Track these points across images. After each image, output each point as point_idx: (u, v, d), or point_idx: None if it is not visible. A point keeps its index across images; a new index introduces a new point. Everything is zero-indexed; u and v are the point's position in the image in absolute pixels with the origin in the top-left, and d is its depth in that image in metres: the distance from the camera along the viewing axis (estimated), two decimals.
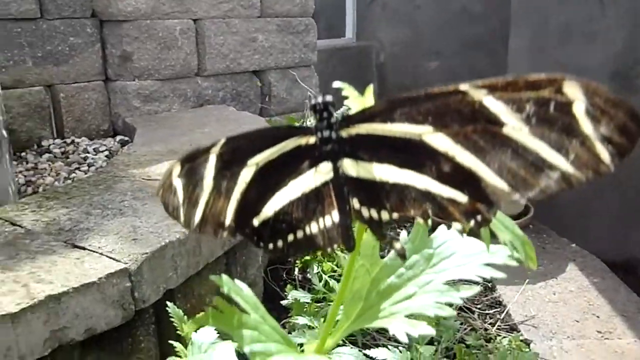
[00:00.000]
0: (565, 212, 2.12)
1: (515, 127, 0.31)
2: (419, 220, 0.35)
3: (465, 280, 0.39)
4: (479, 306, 1.64)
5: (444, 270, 0.38)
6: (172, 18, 2.11)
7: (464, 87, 0.32)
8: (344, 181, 0.37)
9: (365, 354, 0.97)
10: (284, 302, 1.30)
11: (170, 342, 0.72)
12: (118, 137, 2.03)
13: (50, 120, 1.94)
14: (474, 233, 0.36)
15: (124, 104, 2.07)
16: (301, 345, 0.41)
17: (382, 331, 1.39)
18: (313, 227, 0.39)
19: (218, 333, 0.69)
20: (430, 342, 1.29)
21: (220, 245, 1.14)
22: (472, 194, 0.33)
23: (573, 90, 0.29)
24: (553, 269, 1.92)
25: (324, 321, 1.17)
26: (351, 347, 1.04)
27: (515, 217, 2.04)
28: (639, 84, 1.88)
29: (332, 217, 0.38)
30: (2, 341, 0.70)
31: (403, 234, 0.40)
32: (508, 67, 2.60)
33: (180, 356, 0.69)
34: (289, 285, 1.40)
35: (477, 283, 0.38)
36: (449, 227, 0.35)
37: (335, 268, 1.52)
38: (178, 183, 0.38)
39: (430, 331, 0.34)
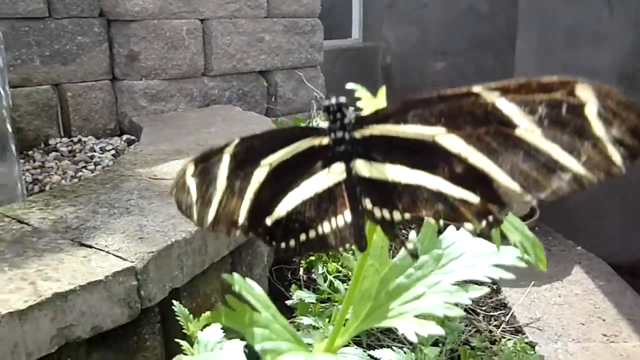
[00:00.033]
0: (571, 214, 2.12)
1: (527, 129, 0.31)
2: (431, 220, 0.35)
3: (474, 281, 0.39)
4: (483, 308, 1.64)
5: (452, 270, 0.38)
6: (179, 18, 2.12)
7: (476, 89, 0.32)
8: (356, 182, 0.38)
9: (369, 355, 0.97)
10: (288, 302, 1.30)
11: (177, 340, 0.73)
12: (125, 136, 2.04)
13: (57, 119, 1.95)
14: (483, 234, 0.36)
15: (131, 103, 2.08)
16: (309, 345, 0.41)
17: (387, 332, 1.39)
18: (325, 227, 0.39)
19: (224, 332, 0.69)
20: (435, 343, 1.29)
21: (226, 245, 1.14)
22: (484, 194, 0.33)
23: (585, 93, 0.29)
24: (559, 272, 1.92)
25: (329, 321, 1.18)
26: (356, 348, 1.04)
27: (521, 219, 2.03)
28: None
29: (345, 217, 0.38)
30: (10, 338, 0.71)
31: (412, 234, 0.41)
32: (515, 68, 2.59)
33: (187, 354, 0.69)
34: (293, 285, 1.40)
35: (485, 284, 0.38)
36: (458, 228, 0.35)
37: (340, 268, 1.52)
38: (191, 182, 0.38)
39: (439, 331, 0.34)
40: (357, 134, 0.37)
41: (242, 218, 0.39)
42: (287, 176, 0.39)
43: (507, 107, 0.31)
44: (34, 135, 1.88)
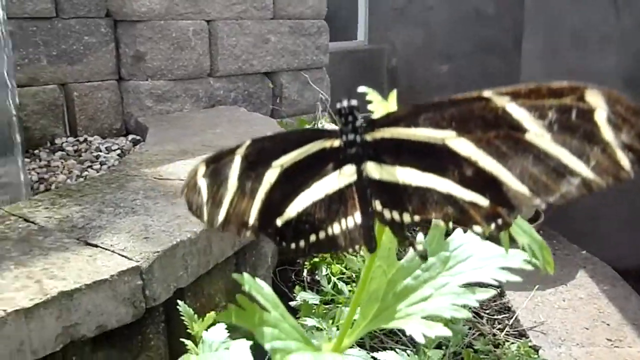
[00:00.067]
0: (576, 218, 2.11)
1: (537, 133, 0.31)
2: (440, 223, 0.36)
3: (480, 284, 0.39)
4: (487, 311, 1.64)
5: (460, 273, 0.38)
6: (185, 19, 2.12)
7: (487, 93, 0.32)
8: (367, 184, 0.38)
9: (373, 357, 0.97)
10: (292, 303, 1.30)
11: (182, 340, 0.73)
12: (130, 136, 2.05)
13: (63, 118, 1.96)
14: (492, 237, 0.37)
15: (137, 104, 2.08)
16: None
17: (390, 334, 1.39)
18: (335, 228, 0.39)
19: (228, 332, 0.70)
20: (439, 346, 1.29)
21: (231, 246, 1.15)
22: (493, 198, 0.34)
23: (595, 98, 0.30)
24: (563, 276, 1.91)
25: (333, 323, 1.18)
26: (359, 350, 1.04)
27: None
28: None
29: (355, 219, 0.39)
30: (16, 336, 0.71)
31: (420, 236, 0.41)
32: (521, 70, 2.59)
33: (192, 354, 0.69)
34: (297, 287, 1.40)
35: (492, 286, 0.38)
36: (465, 230, 0.36)
37: (344, 270, 1.52)
38: (202, 183, 0.38)
39: (447, 332, 0.34)
40: (369, 137, 0.37)
41: (252, 219, 0.39)
42: (298, 177, 0.39)
43: (517, 112, 0.32)
44: (40, 135, 1.89)
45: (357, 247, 0.39)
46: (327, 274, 1.48)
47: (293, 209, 0.39)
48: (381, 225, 0.39)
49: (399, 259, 0.42)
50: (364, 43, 3.62)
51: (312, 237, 0.40)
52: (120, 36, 2.04)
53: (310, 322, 1.18)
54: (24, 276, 0.80)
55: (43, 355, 0.75)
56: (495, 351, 1.41)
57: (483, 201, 0.34)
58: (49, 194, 1.22)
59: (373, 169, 0.38)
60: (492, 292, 0.37)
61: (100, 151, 1.86)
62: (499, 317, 1.63)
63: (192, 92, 2.21)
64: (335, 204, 0.39)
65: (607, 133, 0.30)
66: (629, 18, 1.95)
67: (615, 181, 0.30)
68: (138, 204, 1.13)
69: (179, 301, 0.83)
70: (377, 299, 0.39)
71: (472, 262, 0.39)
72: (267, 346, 0.35)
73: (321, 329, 1.18)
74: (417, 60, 3.40)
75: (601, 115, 0.29)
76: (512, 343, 1.46)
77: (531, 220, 2.04)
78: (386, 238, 0.40)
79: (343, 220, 0.39)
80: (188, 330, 0.78)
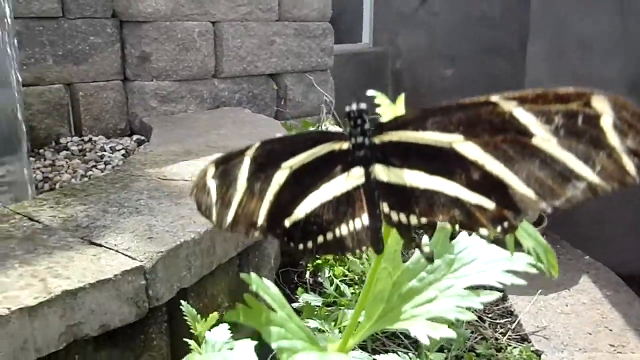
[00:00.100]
0: (580, 223, 2.11)
1: (544, 138, 0.32)
2: (447, 225, 0.36)
3: (485, 287, 0.39)
4: (490, 315, 1.64)
5: (464, 275, 0.39)
6: (191, 20, 2.13)
7: (494, 98, 0.33)
8: (375, 186, 0.39)
9: (375, 359, 0.97)
10: (294, 305, 1.31)
11: (184, 340, 0.73)
12: (135, 137, 2.05)
13: (68, 118, 1.96)
14: (497, 240, 0.37)
15: (142, 104, 2.09)
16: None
17: (392, 337, 1.39)
18: (343, 230, 0.40)
19: (231, 332, 0.70)
20: (441, 349, 1.29)
21: (234, 247, 1.15)
22: (499, 201, 0.34)
23: (601, 104, 0.30)
24: (566, 280, 1.91)
25: (335, 325, 1.18)
26: (361, 352, 1.04)
27: None
28: None
29: (362, 220, 0.39)
30: (20, 334, 0.71)
31: (425, 238, 0.41)
32: (526, 74, 2.59)
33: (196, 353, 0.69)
34: (300, 288, 1.41)
35: (498, 289, 0.38)
36: (470, 233, 0.36)
37: (347, 272, 1.52)
38: (212, 184, 0.39)
39: (451, 334, 0.35)
40: (377, 140, 0.38)
41: (261, 219, 0.40)
42: (307, 179, 0.39)
43: (524, 117, 0.32)
44: (45, 134, 1.90)
45: (364, 248, 0.39)
46: (330, 276, 1.48)
47: (301, 210, 0.40)
48: (387, 228, 0.39)
49: (404, 261, 0.42)
50: (369, 45, 3.62)
51: (320, 238, 0.40)
52: (126, 37, 2.05)
53: (312, 324, 1.18)
54: (29, 275, 0.81)
55: (46, 353, 0.75)
56: (497, 355, 1.41)
57: (489, 204, 0.34)
58: (54, 193, 1.22)
59: (381, 172, 0.38)
60: (496, 295, 0.38)
61: (105, 151, 1.86)
62: (502, 321, 1.63)
63: (197, 93, 2.22)
64: (343, 205, 0.40)
65: (612, 138, 0.30)
66: (635, 23, 1.95)
67: (621, 186, 0.31)
68: (142, 204, 1.13)
69: (182, 301, 0.83)
70: (382, 300, 0.39)
71: (477, 264, 0.39)
72: (274, 345, 0.35)
73: (323, 331, 1.18)
74: (422, 63, 3.40)
75: (607, 121, 0.30)
76: (514, 347, 1.46)
77: (535, 225, 2.04)
78: (392, 240, 0.41)
79: (351, 222, 0.40)
80: (190, 331, 0.78)
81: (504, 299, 1.73)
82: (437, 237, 0.41)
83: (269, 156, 0.39)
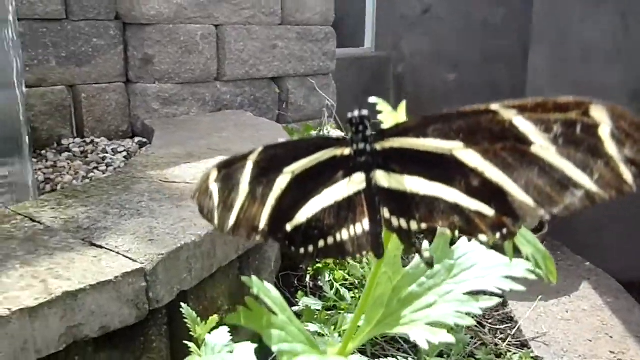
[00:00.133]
0: (580, 229, 2.11)
1: (543, 146, 0.32)
2: (447, 231, 0.36)
3: (485, 292, 0.39)
4: (490, 321, 1.64)
5: (464, 281, 0.39)
6: (194, 23, 2.14)
7: (494, 106, 0.33)
8: (376, 191, 0.39)
9: None
10: (294, 309, 1.31)
11: (185, 342, 0.73)
12: (136, 139, 2.06)
13: (70, 119, 1.97)
14: (496, 246, 0.37)
15: (144, 106, 2.09)
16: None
17: (392, 342, 1.39)
18: (344, 234, 0.40)
19: (231, 335, 0.70)
20: (440, 354, 1.29)
21: (235, 249, 1.15)
22: (499, 208, 0.34)
23: (599, 114, 0.30)
24: (566, 287, 1.91)
25: (335, 329, 1.18)
26: (360, 357, 1.05)
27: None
28: None
29: (363, 225, 0.40)
30: (20, 335, 0.71)
31: (425, 244, 0.41)
32: (527, 82, 2.59)
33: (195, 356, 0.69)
34: (300, 292, 1.41)
35: (497, 295, 0.39)
36: (470, 239, 0.36)
37: (347, 276, 1.52)
38: (214, 187, 0.39)
39: (450, 339, 0.35)
40: (378, 146, 0.38)
41: (262, 223, 0.40)
42: (308, 184, 0.40)
43: (524, 125, 0.32)
44: (47, 135, 1.90)
45: (364, 253, 0.40)
46: (330, 280, 1.48)
47: (303, 215, 0.40)
48: (388, 233, 0.40)
49: (404, 265, 0.42)
50: (371, 50, 3.63)
51: (321, 243, 0.40)
52: (129, 39, 2.06)
53: (312, 327, 1.18)
54: (29, 275, 0.81)
55: (46, 354, 0.75)
56: None
57: (489, 211, 0.35)
58: (55, 194, 1.22)
59: (382, 178, 0.39)
60: (495, 301, 0.38)
61: (107, 153, 1.87)
62: (501, 327, 1.63)
63: (199, 95, 2.22)
64: (344, 210, 0.40)
65: (610, 147, 0.30)
66: (638, 32, 1.96)
67: (618, 194, 0.31)
68: (143, 206, 1.13)
69: (182, 304, 0.83)
70: (382, 304, 0.40)
71: (477, 270, 0.39)
72: (275, 348, 0.35)
73: (323, 335, 1.18)
74: (424, 68, 3.41)
75: (605, 130, 0.30)
76: (514, 353, 1.46)
77: (535, 231, 2.04)
78: (392, 245, 0.41)
79: (352, 227, 0.40)
80: (190, 333, 0.79)
81: (504, 304, 1.73)
82: (437, 242, 0.41)
83: (271, 161, 0.39)
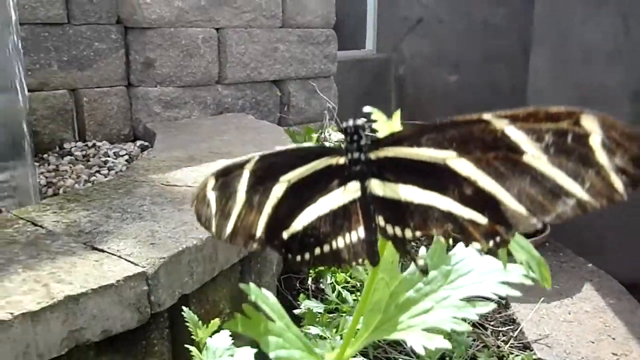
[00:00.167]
0: (582, 231, 2.10)
1: (534, 155, 0.32)
2: (441, 239, 0.37)
3: (482, 297, 0.40)
4: (492, 323, 1.63)
5: (461, 286, 0.39)
6: (195, 26, 2.14)
7: (487, 116, 0.34)
8: (370, 200, 0.40)
9: None
10: (296, 312, 1.31)
11: (186, 346, 0.73)
12: (138, 142, 2.06)
13: (72, 123, 1.97)
14: (492, 252, 0.38)
15: (145, 110, 2.10)
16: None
17: (394, 345, 1.39)
18: (339, 242, 0.41)
19: (232, 339, 0.70)
20: (442, 357, 1.29)
21: (236, 253, 1.15)
22: (491, 216, 0.35)
23: (590, 123, 0.31)
24: (569, 288, 1.90)
25: (336, 332, 1.18)
26: (362, 359, 1.05)
27: (531, 235, 2.02)
28: None
29: (358, 233, 0.40)
30: (22, 339, 0.72)
31: (422, 250, 0.42)
32: (528, 83, 2.59)
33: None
34: (302, 295, 1.41)
35: (492, 300, 0.39)
36: (467, 245, 0.37)
37: (349, 279, 1.52)
38: (212, 195, 0.40)
39: (447, 345, 0.35)
40: (373, 155, 0.39)
41: (259, 231, 0.41)
42: (304, 192, 0.40)
43: (516, 134, 0.33)
44: (49, 139, 1.91)
45: (360, 260, 0.40)
46: (332, 282, 1.48)
47: (299, 223, 0.41)
48: (384, 240, 0.40)
49: (402, 271, 0.43)
50: (372, 52, 3.63)
51: (317, 250, 0.41)
52: (131, 43, 2.06)
53: (314, 330, 1.18)
54: (32, 280, 0.81)
55: (49, 358, 0.76)
56: None
57: (482, 219, 0.35)
58: (57, 198, 1.23)
59: (377, 186, 0.39)
60: (492, 306, 0.38)
61: (109, 156, 1.87)
62: (504, 329, 1.62)
63: (201, 99, 2.23)
64: (340, 218, 0.41)
65: (601, 157, 0.31)
66: (639, 34, 1.96)
67: (609, 203, 0.31)
68: (145, 210, 1.13)
69: (183, 307, 0.83)
70: (379, 310, 0.40)
71: (473, 276, 0.40)
72: (272, 355, 0.36)
73: (325, 338, 1.18)
74: (425, 70, 3.41)
75: (596, 140, 0.31)
76: (517, 356, 1.45)
77: (537, 232, 2.04)
78: (389, 251, 0.41)
79: (347, 235, 0.40)
80: (192, 337, 0.79)
81: (506, 306, 1.73)
82: (434, 248, 0.42)
83: (267, 170, 0.40)
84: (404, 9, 3.44)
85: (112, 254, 0.92)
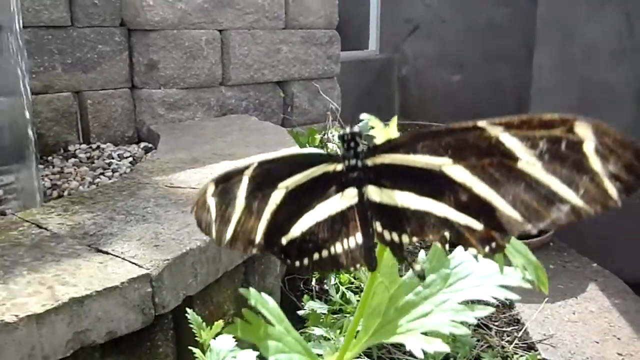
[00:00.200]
0: (587, 230, 2.10)
1: (529, 162, 0.33)
2: (437, 244, 0.37)
3: (480, 301, 0.40)
4: (496, 323, 1.63)
5: (459, 290, 0.40)
6: (198, 28, 2.15)
7: (481, 123, 0.34)
8: (368, 206, 0.40)
9: None
10: (300, 312, 1.31)
11: (190, 347, 0.73)
12: (142, 144, 2.07)
13: (77, 125, 1.98)
14: (488, 257, 0.38)
15: (149, 112, 2.11)
16: (319, 356, 0.42)
17: (398, 345, 1.39)
18: (338, 248, 0.41)
19: (236, 341, 0.70)
20: (446, 358, 1.29)
21: (240, 254, 1.15)
22: (487, 222, 0.35)
23: (584, 130, 0.31)
24: (573, 288, 1.90)
25: (340, 333, 1.18)
26: None
27: (536, 235, 2.02)
28: None
29: (356, 239, 0.41)
30: (27, 341, 0.72)
31: (422, 253, 0.42)
32: (532, 82, 2.59)
33: None
34: (306, 296, 1.41)
35: (491, 304, 0.39)
36: (465, 249, 0.37)
37: (353, 280, 1.52)
38: (212, 201, 0.40)
39: (445, 348, 0.35)
40: (369, 162, 0.40)
41: (258, 237, 0.41)
42: (302, 199, 0.41)
43: (510, 141, 0.33)
44: (53, 141, 1.92)
45: (358, 266, 0.41)
46: (336, 283, 1.48)
47: (297, 229, 0.41)
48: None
49: (401, 275, 0.43)
50: (376, 52, 3.63)
51: (316, 256, 0.42)
52: (134, 45, 2.07)
53: (318, 331, 1.19)
54: (36, 282, 0.82)
55: None
56: None
57: (477, 225, 0.35)
58: (62, 200, 1.23)
59: (374, 192, 0.40)
60: (490, 310, 0.39)
61: (113, 158, 1.88)
62: (508, 329, 1.62)
63: (204, 100, 2.23)
64: (338, 224, 0.41)
65: (595, 163, 0.31)
66: None
67: (603, 209, 0.32)
68: (149, 212, 1.14)
69: (187, 309, 0.84)
70: (379, 313, 0.40)
71: (472, 279, 0.40)
72: (271, 359, 0.36)
73: (329, 339, 1.18)
74: (428, 70, 3.41)
75: (589, 147, 0.31)
76: (521, 356, 1.45)
77: (541, 232, 2.03)
78: (388, 255, 0.42)
79: (345, 240, 0.41)
80: (196, 338, 0.79)
81: (510, 307, 1.73)
82: (433, 252, 0.42)
83: (266, 176, 0.40)
84: (407, 10, 3.44)
85: (117, 256, 0.93)
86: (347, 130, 0.40)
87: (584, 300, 1.82)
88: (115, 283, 0.83)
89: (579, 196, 0.32)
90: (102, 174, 1.74)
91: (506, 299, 0.39)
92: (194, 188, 1.31)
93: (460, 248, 0.42)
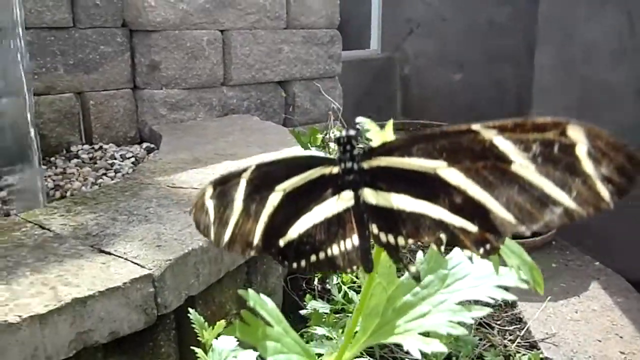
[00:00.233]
0: (589, 229, 2.10)
1: (522, 165, 0.33)
2: (433, 246, 0.37)
3: (478, 301, 0.40)
4: (498, 322, 1.63)
5: (457, 290, 0.40)
6: (199, 29, 2.15)
7: (475, 127, 0.34)
8: (364, 208, 0.40)
9: None
10: (302, 312, 1.31)
11: (192, 347, 0.74)
12: (144, 144, 2.07)
13: (79, 126, 1.99)
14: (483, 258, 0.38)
15: (151, 112, 2.11)
16: (319, 355, 0.42)
17: (400, 345, 1.39)
18: (334, 249, 0.42)
19: (238, 341, 0.70)
20: (448, 357, 1.29)
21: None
22: (481, 224, 0.35)
23: (576, 133, 0.31)
24: (575, 287, 1.90)
25: (342, 332, 1.18)
26: (369, 359, 1.05)
27: (538, 234, 2.02)
28: None
29: (353, 241, 0.41)
30: (30, 341, 0.72)
31: (419, 254, 0.42)
32: (533, 81, 2.59)
33: None
34: (308, 295, 1.41)
35: (489, 305, 0.39)
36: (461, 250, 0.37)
37: (355, 279, 1.52)
38: (210, 204, 0.41)
39: (442, 349, 0.36)
40: (365, 165, 0.40)
41: (256, 239, 0.42)
42: (299, 201, 0.42)
43: (504, 144, 0.34)
44: (56, 142, 1.92)
45: (354, 267, 0.41)
46: (338, 282, 1.48)
47: (295, 231, 0.42)
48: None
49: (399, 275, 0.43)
50: (377, 52, 3.63)
51: (313, 258, 0.42)
52: (136, 45, 2.07)
53: (320, 331, 1.19)
54: (39, 282, 0.82)
55: None
56: None
57: (472, 227, 0.36)
58: (65, 201, 1.24)
59: (370, 195, 0.40)
60: (488, 310, 0.39)
61: (115, 159, 1.88)
62: (510, 328, 1.62)
63: (206, 100, 2.24)
64: (334, 226, 0.42)
65: (587, 166, 0.31)
66: None
67: (596, 211, 0.32)
68: (151, 212, 1.14)
69: (190, 309, 0.84)
70: (377, 314, 0.40)
71: (469, 280, 0.40)
72: (270, 359, 0.36)
73: (331, 338, 1.18)
74: (430, 69, 3.41)
75: (582, 149, 0.31)
76: (523, 355, 1.45)
77: (537, 233, 2.03)
78: (386, 256, 0.42)
79: (342, 242, 0.41)
80: (198, 338, 0.79)
81: (512, 305, 1.73)
82: (431, 252, 0.42)
83: (263, 179, 0.41)
84: (408, 9, 3.44)
85: (119, 257, 0.93)
86: (344, 133, 0.40)
87: (586, 299, 1.82)
88: (118, 283, 0.84)
89: (572, 198, 0.32)
90: (105, 174, 1.75)
91: (506, 299, 0.40)
92: (196, 188, 1.31)
93: (457, 249, 0.42)
